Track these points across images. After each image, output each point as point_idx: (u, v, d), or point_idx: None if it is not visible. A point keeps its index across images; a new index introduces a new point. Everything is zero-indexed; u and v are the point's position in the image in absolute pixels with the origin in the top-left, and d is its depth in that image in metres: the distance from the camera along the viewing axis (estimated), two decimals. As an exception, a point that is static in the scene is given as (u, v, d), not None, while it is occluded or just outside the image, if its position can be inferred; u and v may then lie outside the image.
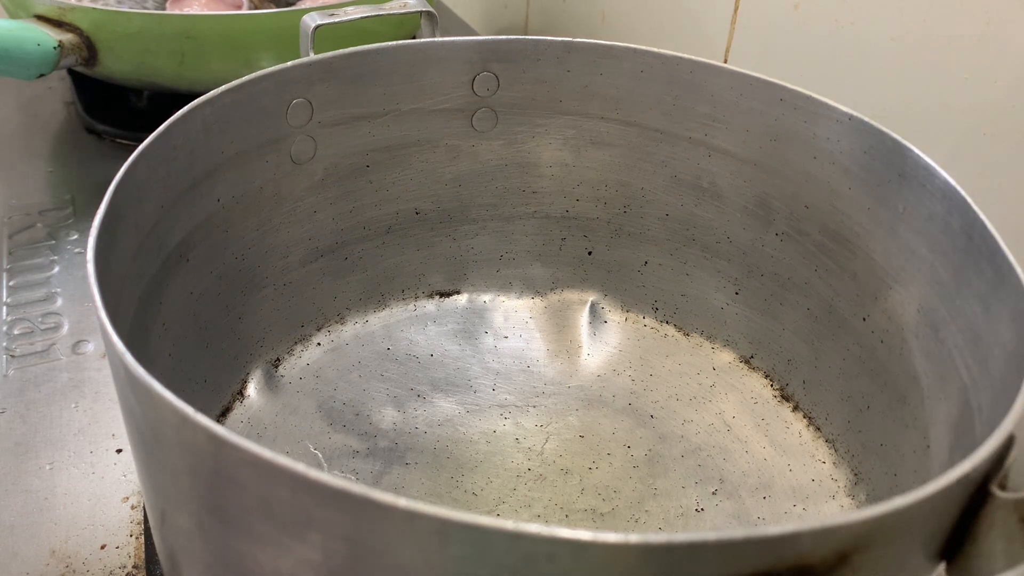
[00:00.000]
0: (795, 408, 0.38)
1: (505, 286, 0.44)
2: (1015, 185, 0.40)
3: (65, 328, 0.43)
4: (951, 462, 0.26)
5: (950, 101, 0.42)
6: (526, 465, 0.36)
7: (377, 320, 0.42)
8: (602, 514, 0.34)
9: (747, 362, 0.41)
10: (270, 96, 0.35)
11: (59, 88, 0.67)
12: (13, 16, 0.57)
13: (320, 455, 0.35)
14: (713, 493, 0.35)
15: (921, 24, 0.42)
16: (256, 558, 0.20)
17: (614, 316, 0.43)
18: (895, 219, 0.32)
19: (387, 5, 0.41)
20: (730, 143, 0.38)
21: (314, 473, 0.17)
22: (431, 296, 0.44)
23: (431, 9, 0.41)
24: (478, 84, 0.39)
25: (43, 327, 0.43)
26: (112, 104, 0.63)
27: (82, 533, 0.33)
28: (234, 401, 0.37)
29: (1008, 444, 0.20)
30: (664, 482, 0.35)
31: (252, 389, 0.38)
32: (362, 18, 0.39)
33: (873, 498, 0.34)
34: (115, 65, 0.55)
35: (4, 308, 0.44)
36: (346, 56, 0.36)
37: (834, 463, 0.36)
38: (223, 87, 0.33)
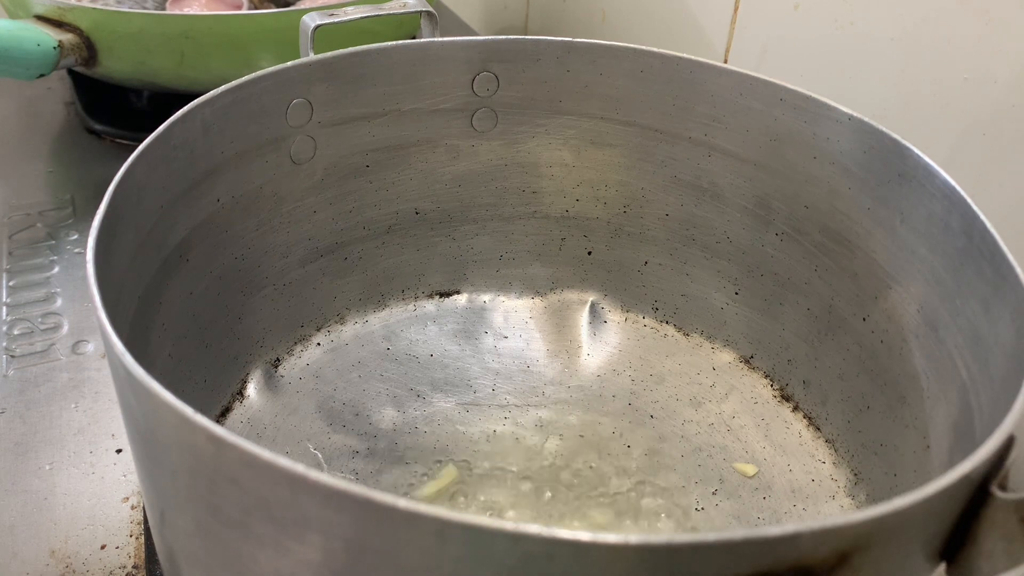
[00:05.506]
0: (795, 408, 0.38)
1: (505, 286, 0.44)
2: (1015, 185, 0.40)
3: (65, 328, 0.43)
4: (951, 462, 0.26)
5: (950, 101, 0.42)
6: (526, 465, 0.36)
7: (377, 320, 0.42)
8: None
9: (747, 362, 0.41)
10: (270, 96, 0.35)
11: (59, 88, 0.67)
12: (13, 16, 0.57)
13: (320, 455, 0.35)
14: (713, 493, 0.35)
15: (921, 24, 0.42)
16: (256, 558, 0.20)
17: (614, 316, 0.43)
18: (895, 219, 0.32)
19: (387, 5, 0.41)
20: (730, 143, 0.38)
21: (314, 473, 0.17)
22: (431, 296, 0.44)
23: (431, 9, 0.41)
24: (478, 84, 0.39)
25: (43, 327, 0.43)
26: (112, 104, 0.63)
27: (82, 533, 0.33)
28: (234, 401, 0.37)
29: (1008, 444, 0.20)
30: (664, 482, 0.35)
31: (252, 389, 0.38)
32: (362, 18, 0.39)
33: (873, 498, 0.34)
34: (115, 65, 0.55)
35: (4, 308, 0.44)
36: (346, 56, 0.36)
37: (834, 463, 0.36)
38: (223, 87, 0.33)
